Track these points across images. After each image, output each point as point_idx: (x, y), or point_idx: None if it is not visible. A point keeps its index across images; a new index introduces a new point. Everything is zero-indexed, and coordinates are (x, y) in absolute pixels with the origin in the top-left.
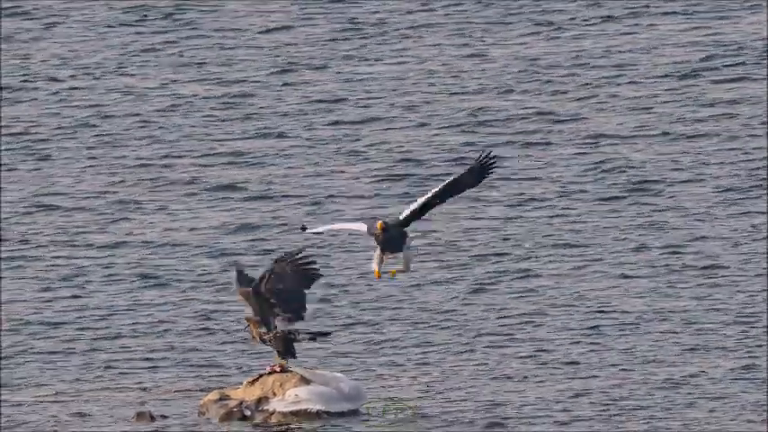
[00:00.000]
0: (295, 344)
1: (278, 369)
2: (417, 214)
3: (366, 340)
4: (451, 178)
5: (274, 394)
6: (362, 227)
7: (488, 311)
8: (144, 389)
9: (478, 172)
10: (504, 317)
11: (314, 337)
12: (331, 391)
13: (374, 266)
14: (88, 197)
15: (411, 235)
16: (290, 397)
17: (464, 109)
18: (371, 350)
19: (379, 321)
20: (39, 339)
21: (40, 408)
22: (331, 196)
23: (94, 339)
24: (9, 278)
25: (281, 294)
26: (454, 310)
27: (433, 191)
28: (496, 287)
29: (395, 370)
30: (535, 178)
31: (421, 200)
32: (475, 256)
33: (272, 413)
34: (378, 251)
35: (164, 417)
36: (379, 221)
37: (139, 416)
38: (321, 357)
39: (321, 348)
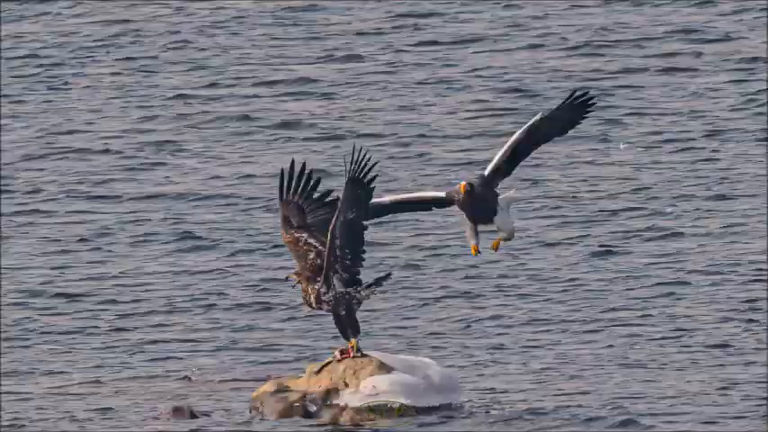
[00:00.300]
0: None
1: (350, 354)
2: (505, 167)
3: (461, 317)
4: (538, 117)
5: (346, 385)
6: (439, 194)
7: (615, 281)
8: (182, 378)
9: (571, 111)
10: (635, 288)
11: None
12: (417, 380)
13: (470, 241)
14: (112, 137)
15: (504, 192)
16: (366, 388)
17: (586, 27)
18: (468, 329)
19: (478, 293)
20: (50, 315)
21: (52, 401)
22: (420, 136)
23: (120, 316)
24: (14, 238)
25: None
26: (573, 279)
27: (518, 135)
28: (626, 249)
29: (498, 354)
30: (675, 113)
31: (504, 148)
32: (599, 211)
33: (344, 409)
34: (468, 223)
35: (206, 413)
36: (462, 182)
37: (176, 411)
38: (405, 338)
39: (404, 327)
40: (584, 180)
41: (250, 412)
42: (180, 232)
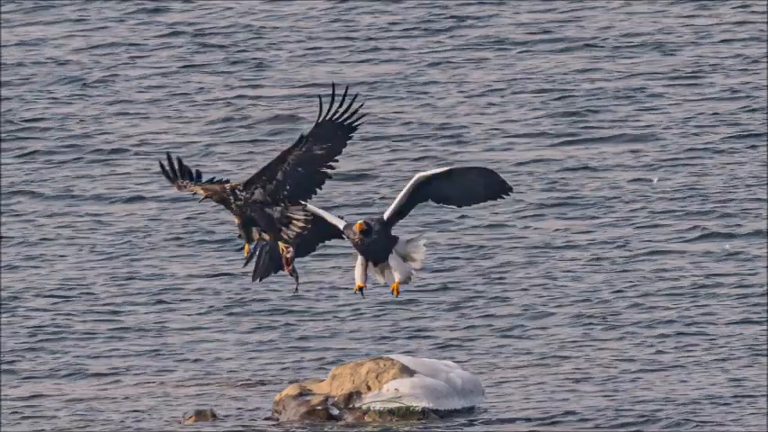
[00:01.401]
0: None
1: (288, 262)
2: (404, 210)
3: (486, 320)
4: (445, 168)
5: (369, 389)
6: (340, 222)
7: (642, 284)
8: (205, 381)
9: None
10: (663, 290)
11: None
12: (440, 383)
13: (357, 280)
14: (144, 141)
15: (408, 238)
16: (389, 392)
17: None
18: (493, 333)
19: (504, 296)
20: (74, 317)
21: (75, 404)
22: (449, 137)
23: (145, 318)
24: (47, 240)
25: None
26: (601, 283)
27: (417, 179)
28: (653, 252)
29: (523, 357)
30: (702, 115)
31: (404, 192)
32: (627, 213)
33: (366, 412)
34: (359, 258)
35: (229, 417)
36: (359, 221)
37: (199, 415)
38: (429, 341)
39: (428, 330)
40: (611, 182)
41: (272, 415)
42: (206, 233)
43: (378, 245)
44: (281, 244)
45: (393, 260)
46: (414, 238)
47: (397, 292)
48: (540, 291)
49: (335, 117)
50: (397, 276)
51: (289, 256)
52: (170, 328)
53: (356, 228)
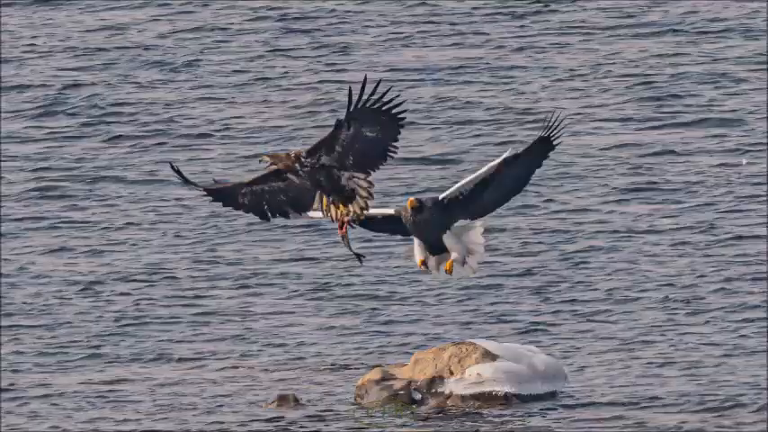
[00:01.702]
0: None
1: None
2: (464, 201)
3: (568, 306)
4: (508, 153)
5: (451, 373)
6: (389, 210)
7: (733, 264)
8: (288, 366)
9: (542, 147)
10: (737, 277)
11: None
12: (523, 368)
13: (417, 256)
14: (228, 126)
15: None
16: (471, 376)
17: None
18: (573, 317)
19: (582, 279)
20: (157, 302)
21: (159, 388)
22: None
23: (228, 302)
24: (131, 225)
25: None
26: (689, 267)
27: (484, 169)
28: (740, 232)
29: (606, 344)
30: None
31: (466, 180)
32: (710, 200)
33: (449, 396)
34: (415, 241)
35: (311, 401)
36: (411, 198)
37: (281, 399)
38: (510, 326)
39: (509, 315)
40: (695, 167)
41: (355, 399)
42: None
43: (429, 225)
44: (341, 207)
45: (448, 239)
46: (469, 224)
47: (451, 272)
48: (624, 275)
49: (370, 105)
50: (453, 255)
51: (346, 219)
52: (253, 313)
53: (408, 204)
